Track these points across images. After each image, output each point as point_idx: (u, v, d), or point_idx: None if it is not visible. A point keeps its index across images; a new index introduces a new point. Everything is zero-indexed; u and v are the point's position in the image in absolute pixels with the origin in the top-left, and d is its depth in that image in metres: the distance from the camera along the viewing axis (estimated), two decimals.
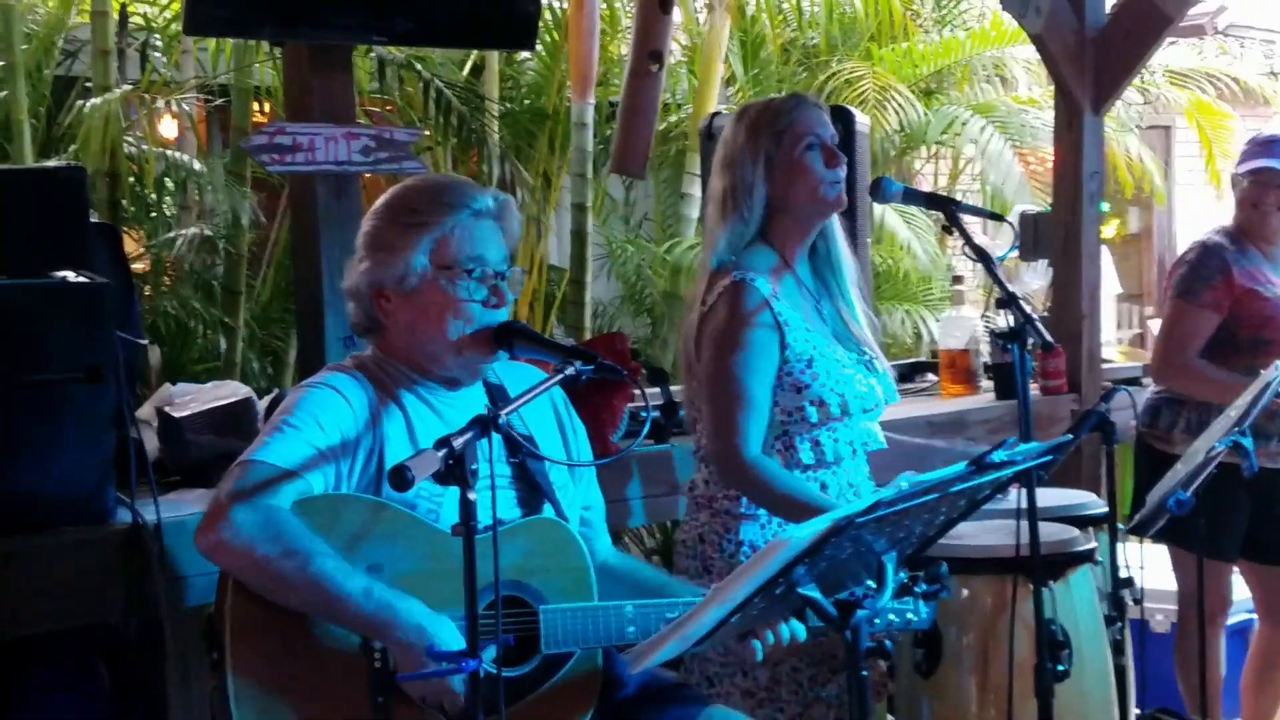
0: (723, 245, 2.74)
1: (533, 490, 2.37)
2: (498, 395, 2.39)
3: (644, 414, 3.33)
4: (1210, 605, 3.70)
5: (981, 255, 2.67)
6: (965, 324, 4.46)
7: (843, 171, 2.74)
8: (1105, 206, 5.05)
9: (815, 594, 2.05)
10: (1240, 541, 3.78)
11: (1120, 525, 2.97)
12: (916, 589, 2.31)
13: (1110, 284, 7.37)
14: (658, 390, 3.53)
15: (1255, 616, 4.05)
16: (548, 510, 2.36)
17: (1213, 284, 3.71)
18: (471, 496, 1.88)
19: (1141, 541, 2.85)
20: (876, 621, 2.29)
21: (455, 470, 1.88)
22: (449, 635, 2.10)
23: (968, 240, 2.70)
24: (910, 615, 2.39)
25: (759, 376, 2.67)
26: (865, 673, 2.09)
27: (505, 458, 2.36)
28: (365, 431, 2.26)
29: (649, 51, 4.38)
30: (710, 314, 2.71)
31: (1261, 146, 3.82)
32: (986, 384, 4.45)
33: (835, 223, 2.84)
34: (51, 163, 4.61)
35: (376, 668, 2.14)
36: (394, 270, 2.31)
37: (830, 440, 2.75)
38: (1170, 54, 8.53)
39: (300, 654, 2.16)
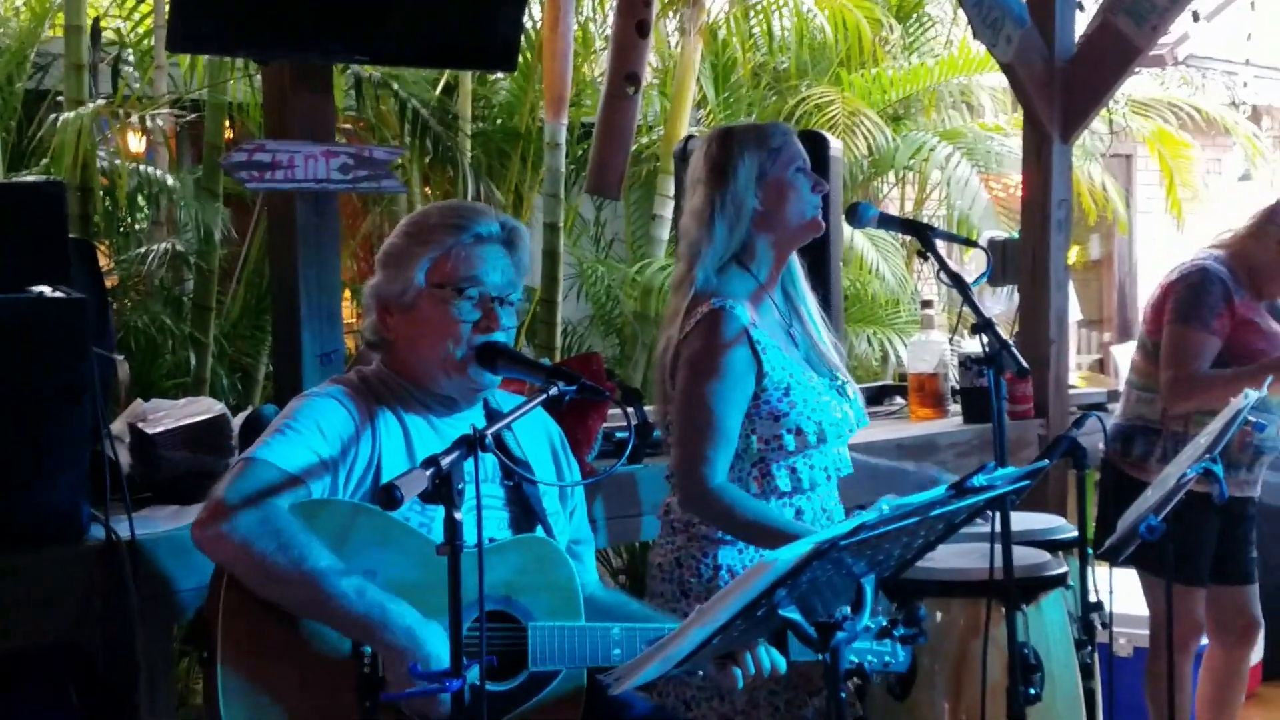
0: (709, 260, 2.72)
1: (526, 514, 2.40)
2: (497, 420, 2.40)
3: (619, 434, 3.39)
4: (1183, 631, 3.75)
5: (957, 281, 2.70)
6: (934, 348, 4.49)
7: (820, 199, 2.78)
8: None
9: (796, 616, 2.07)
10: (1210, 566, 3.82)
11: (1089, 549, 3.00)
12: (896, 632, 2.33)
13: (1071, 310, 7.47)
14: (632, 410, 3.53)
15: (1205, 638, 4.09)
16: (539, 531, 2.38)
17: (1219, 311, 3.69)
18: (457, 516, 1.90)
19: (1111, 566, 2.87)
20: (855, 659, 2.32)
21: (442, 489, 1.89)
22: (437, 643, 2.11)
23: (943, 266, 2.72)
24: (888, 658, 2.42)
25: (731, 407, 2.67)
26: (844, 694, 2.12)
27: (500, 479, 2.38)
28: (364, 445, 2.29)
29: (625, 74, 4.40)
30: (688, 340, 2.71)
31: None
32: (955, 408, 4.48)
33: (794, 256, 2.86)
34: (30, 177, 4.58)
35: (365, 672, 2.15)
36: (397, 286, 2.36)
37: (806, 467, 2.76)
38: (1133, 84, 8.64)
39: (290, 652, 2.17)
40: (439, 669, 2.00)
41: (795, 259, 2.87)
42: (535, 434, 2.52)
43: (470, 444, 1.94)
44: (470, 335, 2.32)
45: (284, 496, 2.18)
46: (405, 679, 2.07)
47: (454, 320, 2.32)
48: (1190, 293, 3.75)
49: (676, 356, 2.74)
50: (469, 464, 1.95)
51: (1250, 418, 2.99)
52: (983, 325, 2.60)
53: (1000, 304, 7.39)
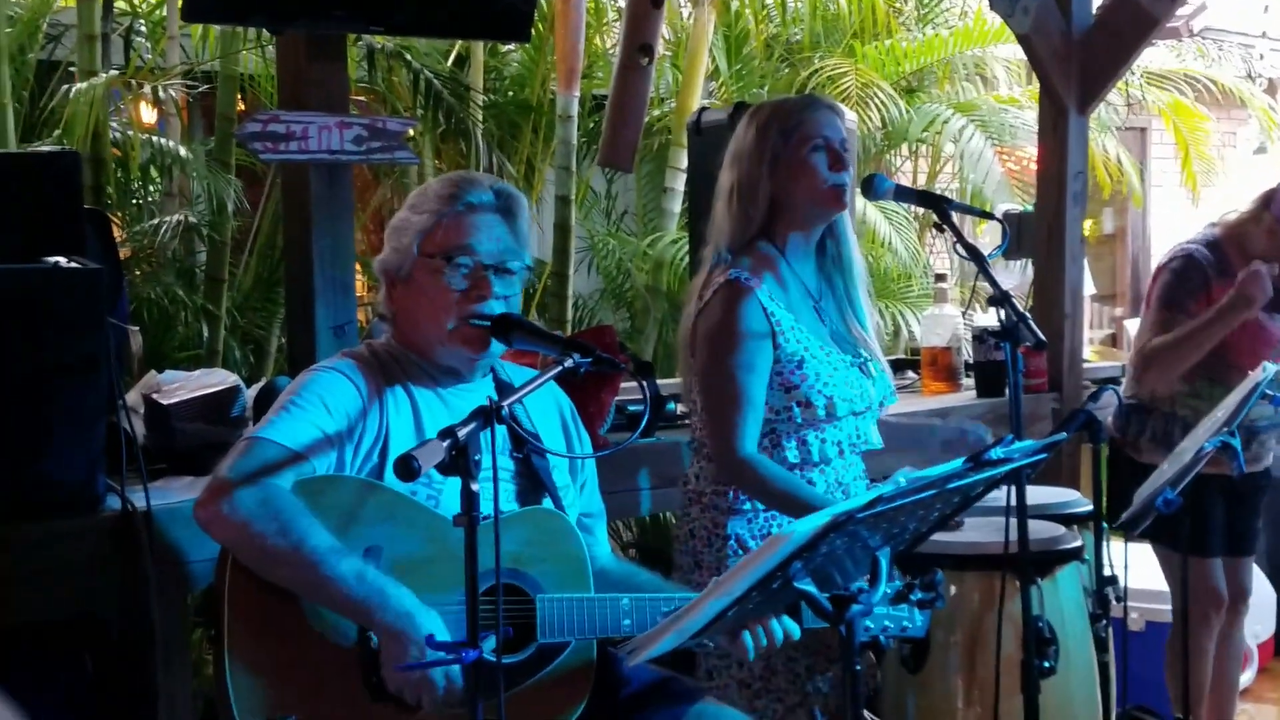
0: (724, 240, 2.77)
1: (535, 486, 2.39)
2: (507, 392, 2.40)
3: (631, 408, 3.39)
4: (1203, 604, 3.76)
5: (973, 253, 2.68)
6: (947, 322, 4.48)
7: (846, 176, 2.77)
8: None
9: (811, 588, 2.07)
10: (1222, 537, 3.83)
11: (1105, 523, 3.00)
12: (912, 597, 2.33)
13: (1085, 284, 7.41)
14: (646, 383, 3.53)
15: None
16: (547, 503, 2.37)
17: (1197, 297, 3.71)
18: (474, 487, 1.89)
19: (1127, 540, 2.87)
20: (871, 626, 2.31)
21: (459, 460, 1.88)
22: (435, 627, 2.10)
23: (960, 238, 2.70)
24: (905, 623, 2.41)
25: (754, 375, 2.69)
26: (860, 667, 2.11)
27: (510, 451, 2.38)
28: (372, 420, 2.28)
29: (639, 45, 4.37)
30: (705, 311, 2.73)
31: None
32: (968, 382, 4.47)
33: (847, 224, 2.86)
34: (45, 148, 4.57)
35: (373, 648, 2.16)
36: (397, 257, 2.36)
37: (817, 440, 2.76)
38: (1148, 55, 8.58)
39: (296, 629, 2.16)
40: (435, 655, 2.00)
41: (848, 232, 2.87)
42: (545, 406, 2.52)
43: (487, 415, 1.93)
44: (460, 305, 2.31)
45: (287, 475, 2.17)
46: (402, 661, 2.08)
47: (446, 290, 2.32)
48: (1172, 278, 3.79)
49: (694, 329, 2.75)
50: (485, 435, 1.94)
51: (1268, 392, 2.97)
52: (1000, 298, 2.59)
53: (1013, 278, 7.36)
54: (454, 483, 1.95)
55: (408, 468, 1.84)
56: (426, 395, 2.35)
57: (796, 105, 2.81)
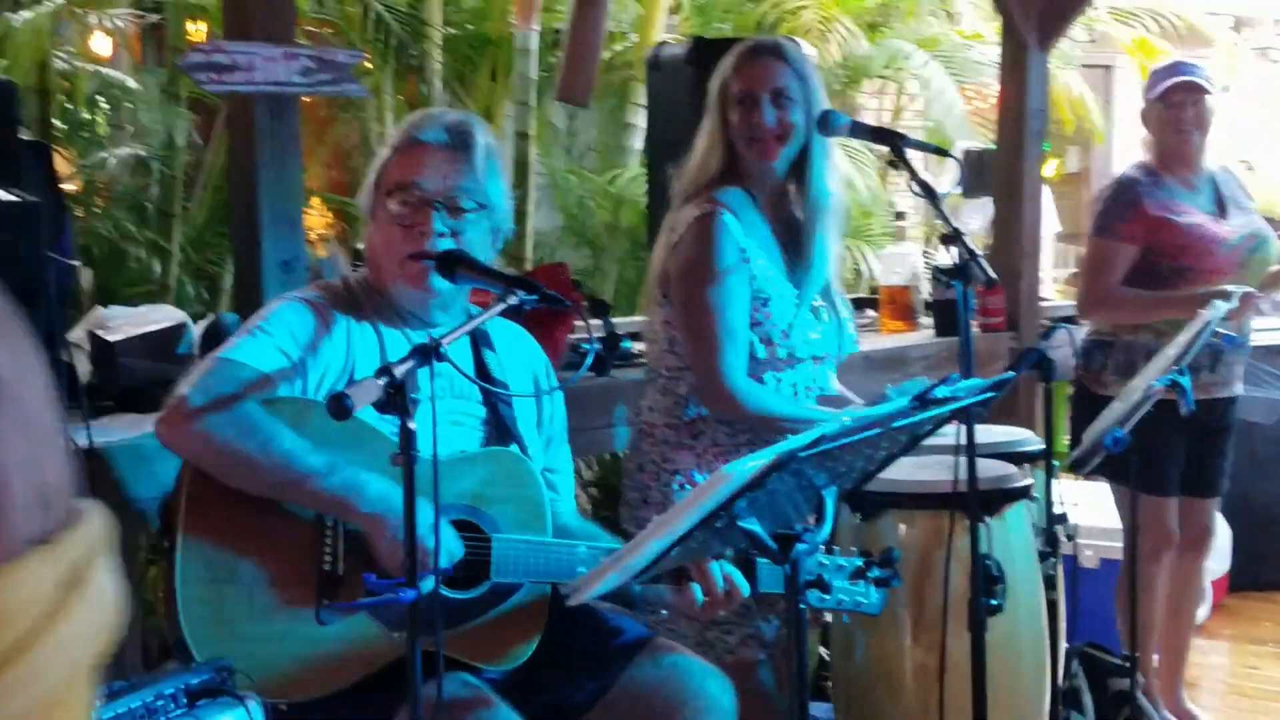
0: (689, 181, 2.80)
1: (501, 435, 2.38)
2: (480, 339, 2.40)
3: (584, 346, 3.36)
4: (1154, 541, 3.76)
5: (927, 191, 2.66)
6: (906, 260, 4.46)
7: (770, 122, 2.76)
8: (1046, 145, 5.07)
9: (756, 527, 2.05)
10: (1180, 476, 3.81)
11: (1056, 462, 3.00)
12: (870, 574, 2.33)
13: (1049, 223, 7.37)
14: (599, 322, 3.51)
15: None
16: (514, 448, 2.36)
17: (1126, 217, 3.70)
18: (412, 425, 1.86)
19: (1078, 478, 2.87)
20: (827, 599, 2.31)
21: (396, 399, 1.86)
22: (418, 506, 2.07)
23: (914, 175, 2.68)
24: (860, 599, 2.40)
25: (735, 306, 2.70)
26: (804, 606, 2.11)
27: (481, 399, 2.36)
28: (337, 353, 2.26)
29: None
30: (679, 245, 2.73)
31: (1164, 71, 3.81)
32: (926, 320, 4.47)
33: (820, 163, 2.83)
34: None
35: (325, 569, 2.14)
36: (365, 195, 2.38)
37: (774, 380, 2.76)
38: None
39: (253, 541, 2.14)
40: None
41: (821, 166, 2.84)
42: (520, 358, 2.51)
43: (425, 352, 1.90)
44: (406, 241, 2.29)
45: (250, 396, 2.13)
46: (392, 546, 2.06)
47: (394, 225, 2.31)
48: (1101, 204, 3.80)
49: (668, 264, 2.76)
50: (424, 371, 1.91)
51: (1218, 329, 2.97)
52: (952, 236, 2.56)
53: (977, 216, 7.36)
54: (424, 418, 1.92)
55: (340, 406, 1.81)
56: (394, 335, 2.33)
57: (732, 56, 2.83)
